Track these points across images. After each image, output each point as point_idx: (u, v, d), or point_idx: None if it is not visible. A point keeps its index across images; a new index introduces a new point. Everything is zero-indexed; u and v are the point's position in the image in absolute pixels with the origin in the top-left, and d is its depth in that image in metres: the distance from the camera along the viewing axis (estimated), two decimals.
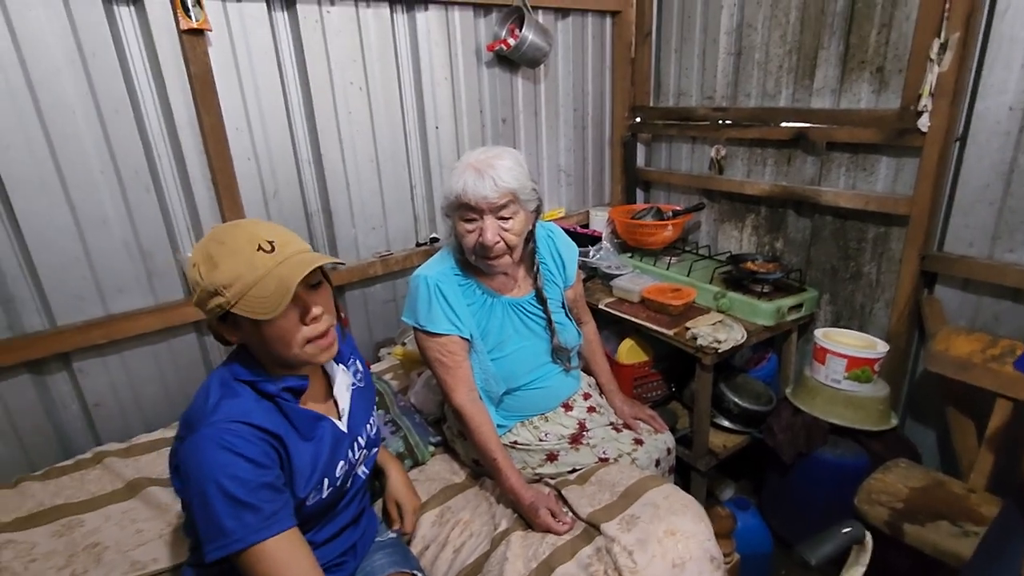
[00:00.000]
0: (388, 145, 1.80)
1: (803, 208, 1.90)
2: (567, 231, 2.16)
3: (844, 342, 1.57)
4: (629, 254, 2.16)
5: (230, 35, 1.45)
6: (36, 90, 1.25)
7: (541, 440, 1.36)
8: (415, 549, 1.20)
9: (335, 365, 1.03)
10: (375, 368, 1.75)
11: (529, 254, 1.39)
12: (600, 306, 1.90)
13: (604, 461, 1.36)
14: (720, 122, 2.05)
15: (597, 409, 1.47)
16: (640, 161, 2.43)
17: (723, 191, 2.11)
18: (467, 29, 1.86)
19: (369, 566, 1.07)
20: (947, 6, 1.41)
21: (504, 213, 1.23)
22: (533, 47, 1.87)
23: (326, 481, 0.92)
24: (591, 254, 2.07)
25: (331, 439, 0.94)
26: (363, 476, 1.06)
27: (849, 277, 1.82)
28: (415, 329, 1.32)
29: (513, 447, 1.35)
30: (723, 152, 2.09)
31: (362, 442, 1.03)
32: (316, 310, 0.85)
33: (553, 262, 1.47)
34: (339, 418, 0.99)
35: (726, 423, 1.80)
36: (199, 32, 1.37)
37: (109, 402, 1.50)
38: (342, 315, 1.03)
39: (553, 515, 1.16)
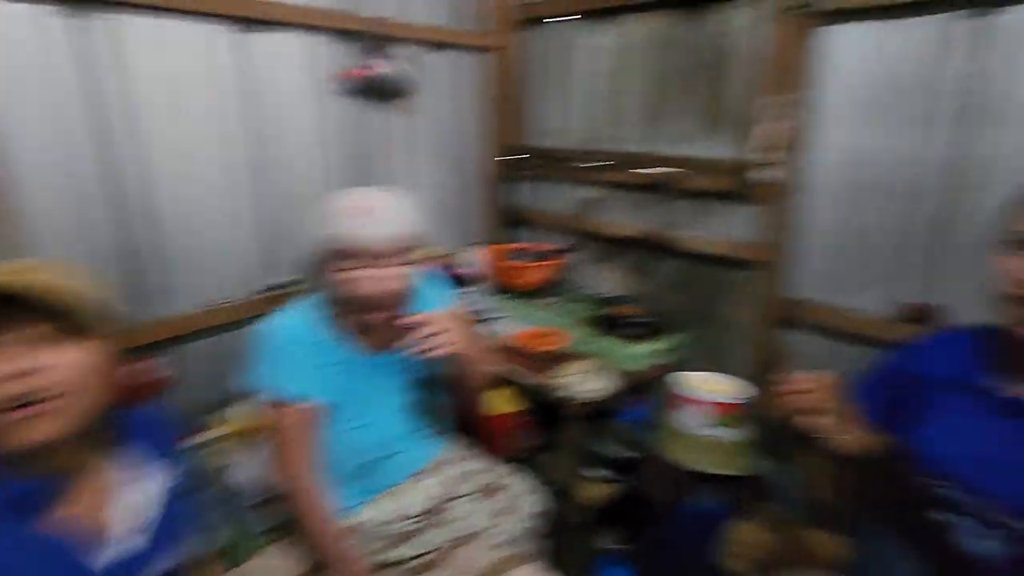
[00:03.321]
0: (228, 180, 1.58)
1: (666, 252, 1.93)
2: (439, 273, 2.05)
3: (705, 387, 1.57)
4: (503, 296, 2.08)
5: (12, 45, 1.19)
6: None
7: (392, 521, 1.20)
8: None
9: (139, 463, 0.79)
10: (207, 436, 1.48)
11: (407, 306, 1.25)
12: None
13: (464, 538, 1.22)
14: (589, 164, 2.05)
15: (461, 478, 1.34)
16: (516, 201, 2.39)
17: (595, 233, 2.11)
18: (321, 56, 1.71)
19: None
20: (782, 69, 1.50)
21: (396, 258, 1.08)
22: (396, 79, 1.76)
23: None
24: (462, 297, 1.96)
25: None
26: None
27: (712, 320, 1.87)
28: (257, 393, 1.12)
29: (359, 531, 1.17)
30: (592, 194, 2.09)
31: None
32: (18, 364, 0.63)
33: (429, 310, 1.33)
34: (104, 544, 0.72)
35: (599, 473, 1.74)
36: None
37: None
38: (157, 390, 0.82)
39: None
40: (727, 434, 1.54)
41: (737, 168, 1.66)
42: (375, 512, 1.20)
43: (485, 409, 1.74)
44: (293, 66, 1.66)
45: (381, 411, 1.19)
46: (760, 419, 1.74)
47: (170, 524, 0.79)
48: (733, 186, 1.68)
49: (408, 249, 1.10)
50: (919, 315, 1.42)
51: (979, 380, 0.90)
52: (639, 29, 1.85)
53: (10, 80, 1.21)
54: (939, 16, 1.29)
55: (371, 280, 1.06)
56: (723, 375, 1.66)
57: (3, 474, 0.65)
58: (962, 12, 1.27)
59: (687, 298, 1.92)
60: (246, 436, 1.45)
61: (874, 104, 1.42)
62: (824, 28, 1.46)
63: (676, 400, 1.62)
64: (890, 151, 1.42)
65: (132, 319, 1.47)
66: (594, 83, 2.01)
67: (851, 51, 1.44)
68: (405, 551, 1.17)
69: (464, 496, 1.28)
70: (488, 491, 1.33)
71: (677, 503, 1.56)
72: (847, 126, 1.48)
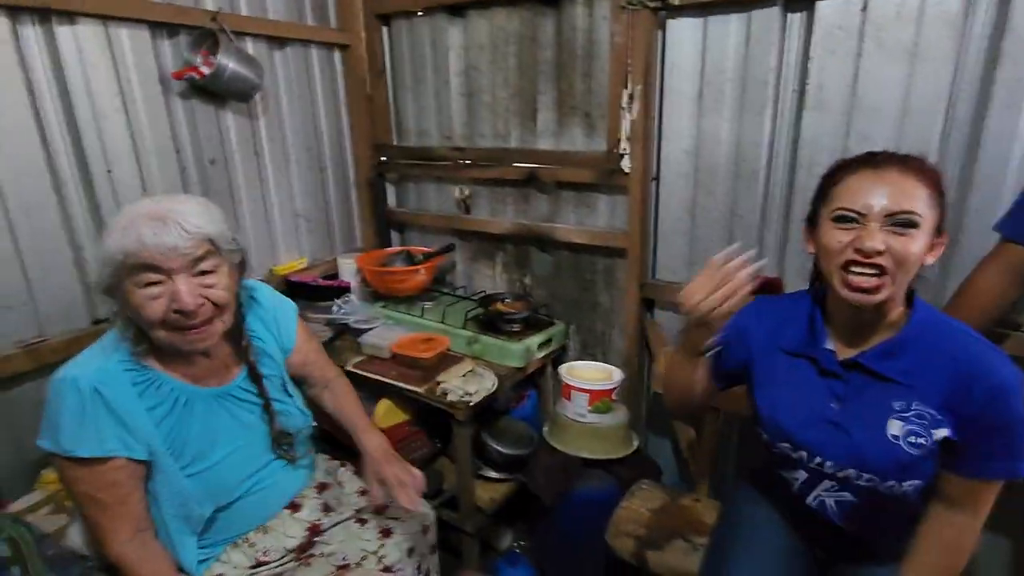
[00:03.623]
0: (29, 198, 1.34)
1: (543, 244, 1.95)
2: (306, 284, 1.92)
3: (585, 376, 1.61)
4: (382, 303, 1.99)
5: None
6: None
7: (259, 564, 1.08)
8: None
9: None
10: (20, 506, 1.25)
11: (234, 325, 1.11)
12: (349, 367, 1.68)
13: (344, 568, 1.14)
14: (461, 162, 2.02)
15: (336, 502, 1.24)
16: (390, 202, 2.30)
17: (472, 231, 2.09)
18: (143, 51, 1.51)
19: None
20: (629, 62, 1.55)
21: (203, 267, 0.95)
22: (236, 77, 1.60)
23: None
24: (335, 309, 1.85)
25: None
26: None
27: (589, 308, 1.92)
28: (55, 456, 0.94)
29: None
30: (467, 192, 2.06)
31: None
32: None
33: (266, 329, 1.20)
34: None
35: (492, 473, 1.72)
36: None
37: None
38: None
39: None
40: (607, 419, 1.58)
41: (600, 160, 1.70)
42: (243, 556, 1.08)
43: (375, 423, 1.65)
44: (108, 63, 1.45)
45: (231, 448, 1.06)
46: (637, 399, 1.82)
47: None
48: (598, 177, 1.72)
49: (212, 257, 0.98)
50: (768, 287, 1.55)
51: (808, 346, 0.98)
52: (488, 25, 1.84)
53: None
54: (768, 10, 1.40)
55: (167, 295, 0.93)
56: (601, 362, 1.71)
57: None
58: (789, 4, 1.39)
59: (564, 289, 1.95)
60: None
61: (715, 93, 1.52)
62: (666, 21, 1.54)
63: (562, 390, 1.64)
64: (731, 137, 1.53)
65: None
66: (456, 80, 1.97)
67: (692, 43, 1.52)
68: None
69: (339, 523, 1.19)
70: (368, 513, 1.25)
71: (567, 493, 1.58)
72: (692, 115, 1.57)
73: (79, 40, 1.39)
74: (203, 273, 0.96)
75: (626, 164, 1.63)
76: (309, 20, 1.97)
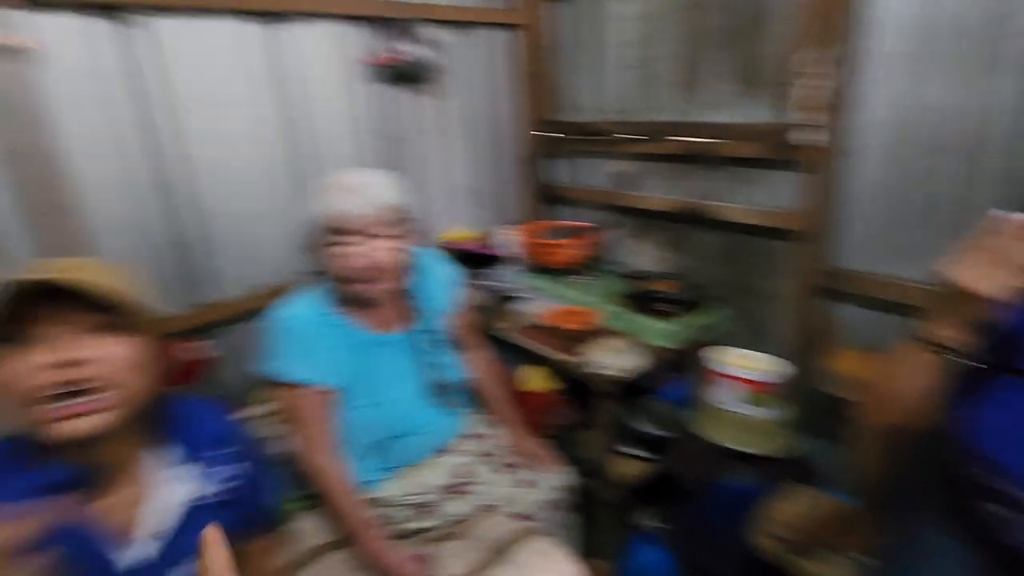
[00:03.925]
0: (260, 170, 1.66)
1: (704, 224, 1.86)
2: (470, 253, 2.07)
3: (739, 364, 1.52)
4: (536, 275, 2.07)
5: (69, 55, 1.29)
6: None
7: (415, 492, 1.24)
8: None
9: (171, 465, 0.79)
10: (249, 413, 1.58)
11: (406, 284, 1.28)
12: (501, 332, 1.80)
13: (487, 509, 1.25)
14: (622, 136, 1.99)
15: (484, 452, 1.36)
16: (549, 177, 2.36)
17: (630, 207, 2.06)
18: (348, 43, 1.74)
19: None
20: (823, 21, 1.38)
21: (383, 231, 1.12)
22: (422, 62, 1.77)
23: None
24: (493, 277, 1.98)
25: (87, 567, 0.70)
26: None
27: (752, 293, 1.79)
28: (271, 378, 1.18)
29: (383, 503, 1.22)
30: (626, 167, 2.03)
31: None
32: (62, 354, 0.64)
33: (433, 291, 1.36)
34: (130, 543, 0.74)
35: (633, 450, 1.72)
36: (18, 51, 1.20)
37: None
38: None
39: None
40: (763, 412, 1.48)
41: (776, 132, 1.56)
42: (396, 487, 1.25)
43: (517, 386, 1.76)
44: (320, 56, 1.70)
45: (395, 390, 1.23)
46: (800, 396, 1.66)
47: (186, 537, 0.77)
48: (772, 152, 1.58)
49: (394, 223, 1.13)
50: None
51: None
52: None
53: (65, 86, 1.31)
54: None
55: (359, 253, 1.10)
56: (760, 352, 1.59)
57: (45, 459, 0.69)
58: None
59: (725, 272, 1.84)
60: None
61: (932, 53, 1.29)
62: None
63: (712, 377, 1.57)
64: (950, 105, 1.29)
65: (181, 304, 1.58)
66: (625, 53, 1.93)
67: None
68: (425, 522, 1.22)
69: (487, 470, 1.31)
70: (511, 465, 1.35)
71: (711, 482, 1.52)
72: (900, 79, 1.35)
73: (304, 35, 1.65)
74: (383, 237, 1.11)
75: (805, 136, 1.47)
76: (491, 3, 2.07)
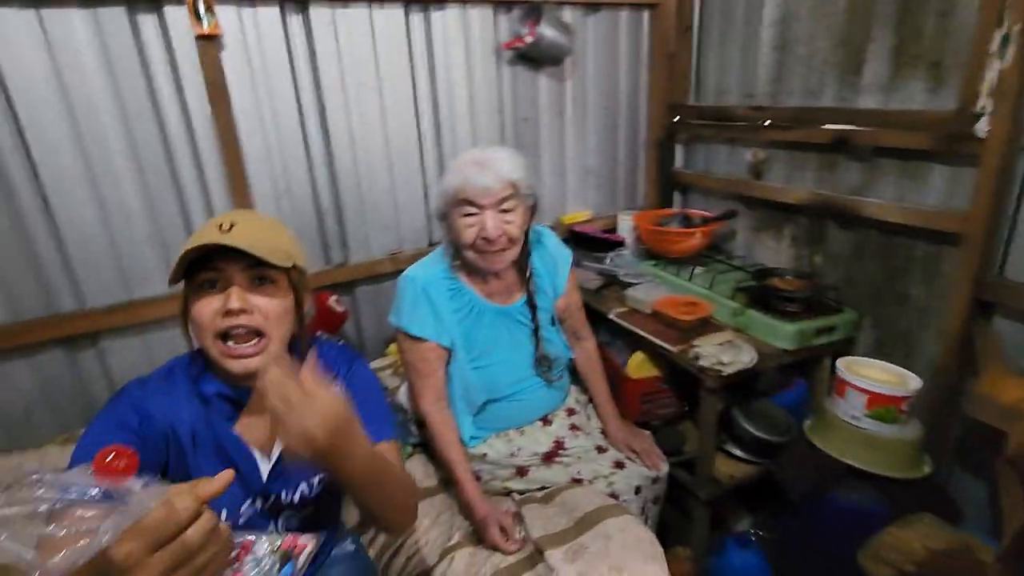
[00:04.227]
0: (401, 145, 1.81)
1: (845, 220, 1.70)
2: (587, 235, 2.10)
3: (868, 375, 1.39)
4: (652, 262, 2.04)
5: (244, 39, 1.52)
6: (69, 94, 1.38)
7: (513, 455, 1.32)
8: (373, 551, 1.20)
9: None
10: (376, 364, 1.78)
11: (521, 259, 1.35)
12: (610, 316, 1.81)
13: (577, 482, 1.30)
14: (760, 122, 1.88)
15: (581, 428, 1.41)
16: (677, 163, 2.29)
17: (760, 198, 1.94)
18: (485, 27, 1.83)
19: None
20: None
21: (505, 206, 1.21)
22: (552, 44, 1.81)
23: (224, 512, 0.84)
24: (608, 260, 1.99)
25: (242, 477, 0.84)
26: (292, 529, 0.92)
27: (894, 300, 1.61)
28: (396, 330, 1.32)
29: (484, 459, 1.32)
30: (762, 155, 1.91)
31: (285, 499, 0.90)
32: (236, 303, 0.78)
33: (545, 269, 1.42)
34: (268, 459, 0.88)
35: (737, 451, 1.66)
36: (211, 37, 1.44)
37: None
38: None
39: (505, 532, 1.13)
40: (891, 430, 1.35)
41: (945, 120, 1.38)
42: (500, 446, 1.34)
43: (623, 371, 1.77)
44: (462, 40, 1.81)
45: (504, 356, 1.31)
46: (941, 419, 1.48)
47: (306, 471, 0.91)
48: (939, 143, 1.40)
49: (515, 199, 1.20)
50: None
51: None
52: None
53: (238, 67, 1.53)
54: None
55: (479, 225, 1.19)
56: (895, 364, 1.44)
57: (211, 373, 0.87)
58: None
59: (864, 274, 1.67)
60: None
61: None
62: None
63: (836, 385, 1.46)
64: None
65: (328, 262, 1.80)
66: (769, 32, 1.81)
67: None
68: (520, 484, 1.30)
69: (581, 446, 1.35)
70: (606, 447, 1.38)
71: (820, 495, 1.42)
72: None
73: (445, 20, 1.76)
74: (505, 211, 1.18)
75: (982, 127, 1.28)
76: None
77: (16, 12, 1.28)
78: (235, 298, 0.79)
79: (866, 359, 1.47)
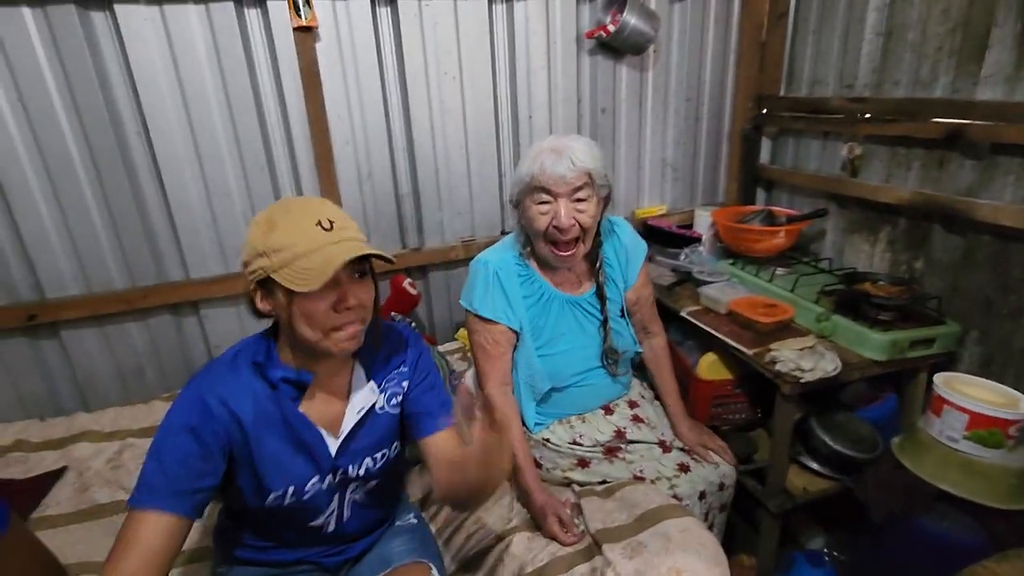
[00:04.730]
0: (479, 133, 1.84)
1: (954, 223, 1.55)
2: (661, 230, 2.05)
3: (970, 393, 1.26)
4: (731, 260, 1.96)
5: (337, 30, 1.60)
6: (184, 84, 1.51)
7: (575, 442, 1.32)
8: (435, 526, 1.24)
9: (364, 380, 0.97)
10: (445, 348, 1.83)
11: (593, 249, 1.34)
12: (683, 313, 1.76)
13: (639, 479, 1.28)
14: (859, 115, 1.74)
15: (645, 420, 1.38)
16: (763, 158, 2.17)
17: (855, 196, 1.80)
18: (568, 16, 1.82)
19: (387, 551, 1.05)
20: None
21: (579, 195, 1.20)
22: (635, 32, 1.77)
23: (291, 489, 0.89)
24: (683, 256, 1.92)
25: (311, 453, 0.90)
26: (357, 505, 1.00)
27: (1007, 313, 1.45)
28: (467, 311, 1.35)
29: (546, 444, 1.33)
30: (859, 151, 1.78)
31: (352, 473, 0.95)
32: (352, 300, 0.84)
33: (617, 260, 1.40)
34: (336, 437, 0.93)
35: (813, 463, 1.57)
36: (308, 29, 1.53)
37: (226, 347, 1.77)
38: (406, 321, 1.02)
39: (562, 523, 1.13)
40: (992, 455, 1.23)
41: None
42: (562, 432, 1.34)
43: (693, 372, 1.72)
44: (543, 28, 1.81)
45: (571, 345, 1.31)
46: None
47: (363, 438, 0.95)
48: None
49: (590, 188, 1.18)
50: None
51: None
52: None
53: (331, 57, 1.61)
54: None
55: (552, 213, 1.18)
56: (1001, 383, 1.31)
57: (280, 358, 0.89)
58: None
59: (971, 283, 1.52)
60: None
61: None
62: None
63: (932, 402, 1.35)
64: None
65: (406, 245, 1.87)
66: (874, 16, 1.67)
67: None
68: (581, 475, 1.29)
69: (645, 442, 1.33)
70: (670, 447, 1.35)
71: (907, 519, 1.32)
72: None
73: (528, 10, 1.77)
74: (579, 200, 1.18)
75: None
76: None
77: (145, 8, 1.42)
78: (352, 297, 0.84)
79: (969, 376, 1.34)
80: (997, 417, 1.21)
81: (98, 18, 1.41)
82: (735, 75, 2.11)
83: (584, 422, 1.35)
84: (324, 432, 0.91)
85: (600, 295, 1.35)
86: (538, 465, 1.33)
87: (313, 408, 0.92)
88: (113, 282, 1.59)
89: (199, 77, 1.52)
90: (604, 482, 1.28)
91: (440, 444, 0.99)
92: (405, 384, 1.02)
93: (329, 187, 1.69)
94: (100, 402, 1.63)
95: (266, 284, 0.83)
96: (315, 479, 0.91)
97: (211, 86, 1.53)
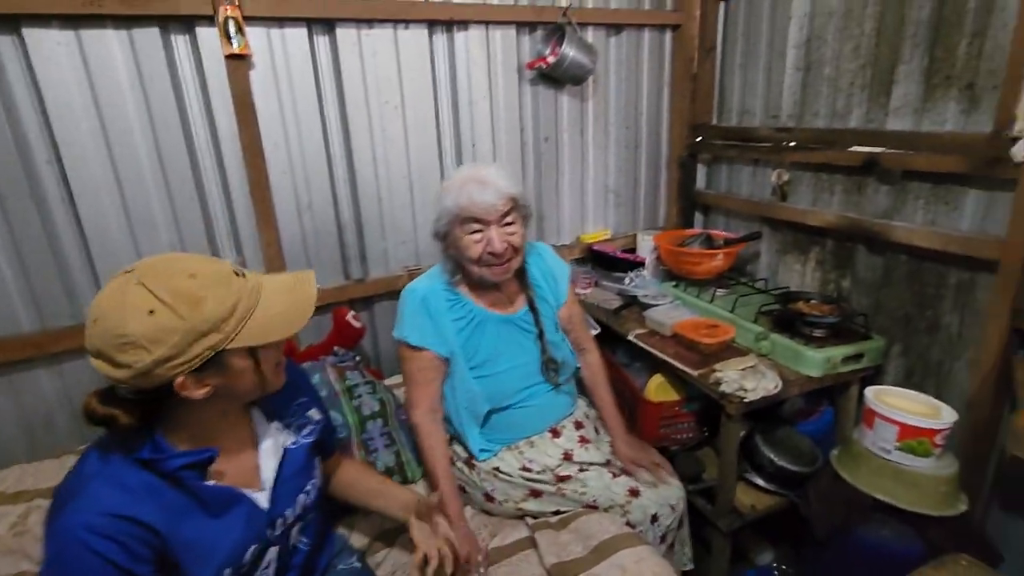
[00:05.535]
0: (422, 162, 1.83)
1: (874, 244, 1.65)
2: (606, 255, 2.08)
3: (899, 405, 1.33)
4: (674, 283, 2.01)
5: (272, 59, 1.55)
6: (102, 109, 1.42)
7: (525, 468, 1.30)
8: (381, 573, 1.18)
9: (267, 422, 0.92)
10: (391, 381, 1.77)
11: (519, 269, 1.36)
12: (630, 337, 1.78)
13: (592, 507, 1.27)
14: (784, 144, 1.85)
15: (591, 441, 1.39)
16: (699, 183, 2.26)
17: (785, 220, 1.90)
18: (508, 47, 1.84)
19: None
20: None
21: (508, 219, 1.24)
22: (574, 64, 1.81)
23: (228, 571, 0.81)
24: (627, 281, 1.96)
25: (244, 519, 0.83)
26: (303, 548, 0.96)
27: (925, 328, 1.56)
28: (396, 341, 1.33)
29: (496, 475, 1.30)
30: (786, 177, 1.88)
31: (290, 517, 0.91)
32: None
33: (544, 279, 1.44)
34: (260, 490, 0.87)
35: (759, 480, 1.60)
36: (241, 57, 1.48)
37: None
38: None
39: (466, 560, 1.09)
40: (922, 464, 1.29)
41: (979, 144, 1.34)
42: (514, 459, 1.32)
43: (641, 394, 1.73)
44: (485, 60, 1.82)
45: (511, 364, 1.32)
46: (979, 455, 1.42)
47: (289, 481, 0.91)
48: (971, 166, 1.36)
49: (514, 212, 1.23)
50: None
51: None
52: None
53: (264, 86, 1.56)
54: None
55: (484, 240, 1.21)
56: (926, 395, 1.39)
57: (190, 448, 0.80)
58: None
59: (895, 300, 1.62)
60: None
61: None
62: None
63: (865, 415, 1.41)
64: None
65: (349, 276, 1.81)
66: (793, 53, 1.79)
67: None
68: (534, 505, 1.27)
69: (594, 467, 1.32)
70: (619, 471, 1.34)
71: (849, 531, 1.36)
72: None
73: (468, 41, 1.78)
74: (507, 224, 1.22)
75: (1020, 151, 1.24)
76: (647, 4, 2.06)
77: (58, 32, 1.33)
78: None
79: (897, 388, 1.41)
80: (925, 427, 1.28)
81: (3, 42, 1.30)
82: (670, 105, 2.20)
83: (533, 447, 1.34)
84: (247, 491, 0.85)
85: (533, 309, 1.37)
86: (490, 499, 1.30)
87: (225, 474, 0.84)
88: (20, 324, 1.45)
89: (120, 102, 1.43)
90: (558, 512, 1.26)
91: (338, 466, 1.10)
92: (314, 412, 1.00)
93: (265, 216, 1.62)
94: (3, 459, 1.47)
95: (208, 364, 0.73)
96: (254, 546, 0.85)
97: (134, 111, 1.45)
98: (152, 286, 0.70)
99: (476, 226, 1.22)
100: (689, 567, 1.44)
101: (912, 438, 1.28)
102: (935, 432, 1.28)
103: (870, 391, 1.40)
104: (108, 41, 1.38)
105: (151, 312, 0.68)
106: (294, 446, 0.93)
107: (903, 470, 1.30)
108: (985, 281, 1.39)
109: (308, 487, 0.95)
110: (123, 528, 0.70)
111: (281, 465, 0.90)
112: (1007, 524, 1.44)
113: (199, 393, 0.75)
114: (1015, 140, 1.25)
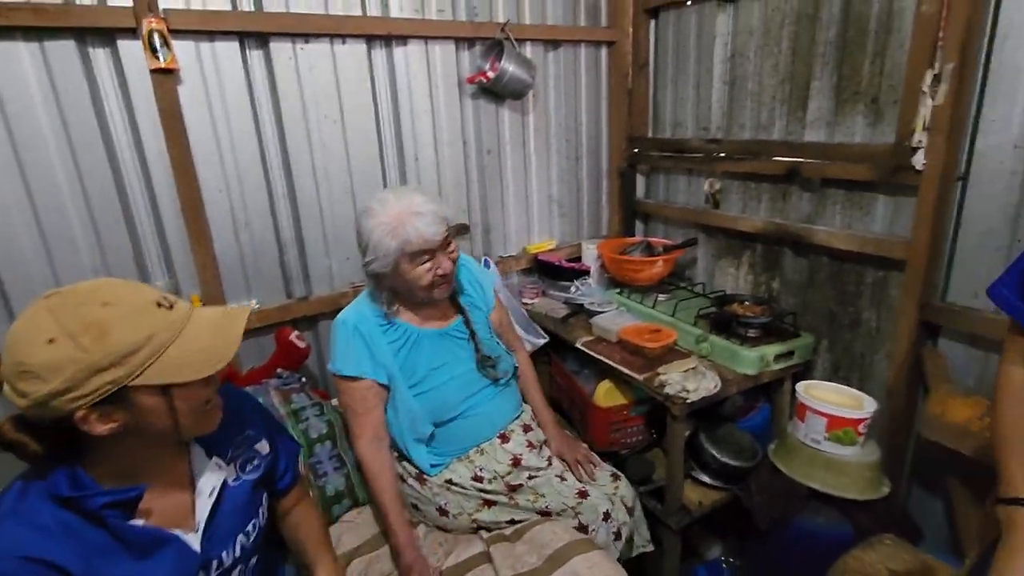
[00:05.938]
0: (365, 176, 1.80)
1: (799, 247, 1.76)
2: (552, 265, 2.11)
3: (826, 398, 1.42)
4: (617, 290, 2.07)
5: (202, 73, 1.50)
6: (11, 123, 1.32)
7: (476, 477, 1.30)
8: None
9: (206, 458, 0.87)
10: (336, 402, 1.72)
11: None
12: (578, 344, 1.82)
13: (546, 515, 1.28)
14: (714, 154, 1.95)
15: (537, 445, 1.41)
16: (639, 193, 2.35)
17: (718, 226, 2.00)
18: (448, 62, 1.86)
19: None
20: (941, 34, 1.28)
21: (448, 240, 1.26)
22: (514, 79, 1.85)
23: None
24: (573, 289, 2.00)
25: (172, 562, 0.78)
26: None
27: (848, 324, 1.67)
28: (332, 374, 1.30)
29: (449, 488, 1.30)
30: (718, 186, 1.98)
31: (227, 560, 0.86)
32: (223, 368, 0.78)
33: (472, 288, 1.47)
34: (193, 530, 0.82)
35: (705, 477, 1.67)
36: (167, 71, 1.42)
37: None
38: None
39: None
40: (850, 452, 1.38)
41: (884, 154, 1.46)
42: (465, 469, 1.32)
43: (591, 400, 1.77)
44: (424, 73, 1.83)
45: (450, 375, 1.33)
46: (898, 440, 1.53)
47: (226, 519, 0.86)
48: (881, 175, 1.48)
49: (449, 233, 1.25)
50: None
51: None
52: (762, 8, 1.73)
53: (196, 101, 1.50)
54: None
55: (435, 265, 1.23)
56: (852, 387, 1.49)
57: (115, 486, 0.75)
58: None
59: (819, 299, 1.73)
60: None
61: None
62: None
63: (797, 409, 1.49)
64: None
65: (293, 296, 1.76)
66: (719, 68, 1.90)
67: None
68: (488, 515, 1.27)
69: (543, 474, 1.34)
70: (566, 476, 1.37)
71: (788, 520, 1.44)
72: None
73: (407, 55, 1.78)
74: (447, 244, 1.24)
75: (919, 160, 1.36)
76: (582, 21, 2.12)
77: None
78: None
79: (824, 382, 1.51)
80: (849, 418, 1.37)
81: None
82: (608, 118, 2.28)
83: (483, 454, 1.35)
84: (179, 532, 0.80)
85: (465, 316, 1.40)
86: (444, 512, 1.29)
87: (153, 512, 0.79)
88: None
89: (31, 116, 1.34)
90: (512, 521, 1.27)
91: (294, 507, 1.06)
92: (262, 444, 0.95)
93: (199, 236, 1.55)
94: None
95: (112, 399, 0.68)
96: None
97: (48, 128, 1.36)
98: (58, 314, 0.67)
99: (425, 256, 1.22)
100: (649, 548, 1.46)
101: (839, 428, 1.37)
102: (858, 422, 1.38)
103: (800, 386, 1.49)
104: (17, 52, 1.30)
105: (50, 341, 0.65)
106: (235, 483, 0.88)
107: (832, 459, 1.39)
108: (896, 279, 1.51)
109: (249, 527, 0.89)
110: (35, 571, 0.66)
111: (216, 504, 0.85)
112: (924, 503, 1.56)
113: (103, 429, 0.70)
114: (915, 150, 1.37)
